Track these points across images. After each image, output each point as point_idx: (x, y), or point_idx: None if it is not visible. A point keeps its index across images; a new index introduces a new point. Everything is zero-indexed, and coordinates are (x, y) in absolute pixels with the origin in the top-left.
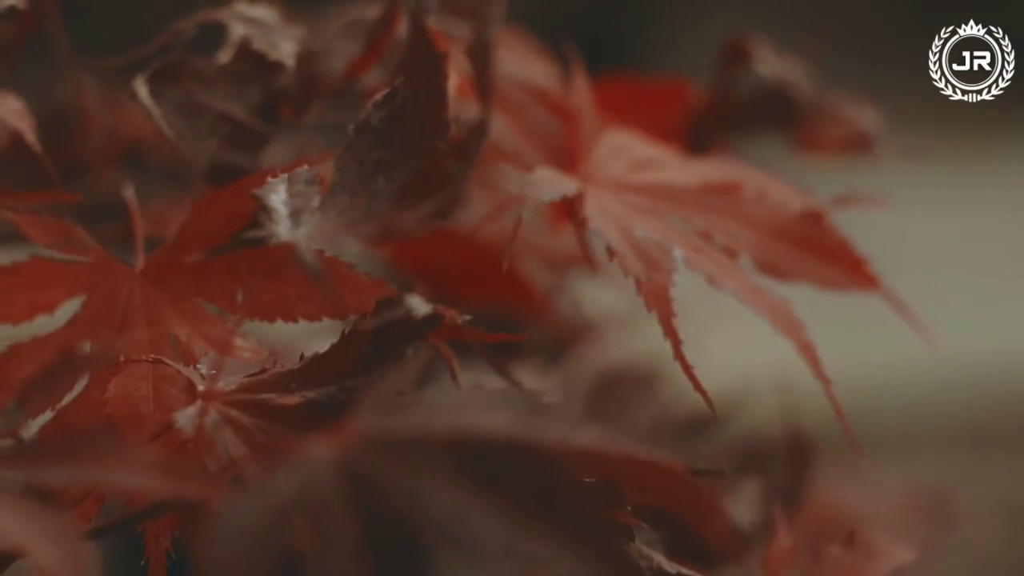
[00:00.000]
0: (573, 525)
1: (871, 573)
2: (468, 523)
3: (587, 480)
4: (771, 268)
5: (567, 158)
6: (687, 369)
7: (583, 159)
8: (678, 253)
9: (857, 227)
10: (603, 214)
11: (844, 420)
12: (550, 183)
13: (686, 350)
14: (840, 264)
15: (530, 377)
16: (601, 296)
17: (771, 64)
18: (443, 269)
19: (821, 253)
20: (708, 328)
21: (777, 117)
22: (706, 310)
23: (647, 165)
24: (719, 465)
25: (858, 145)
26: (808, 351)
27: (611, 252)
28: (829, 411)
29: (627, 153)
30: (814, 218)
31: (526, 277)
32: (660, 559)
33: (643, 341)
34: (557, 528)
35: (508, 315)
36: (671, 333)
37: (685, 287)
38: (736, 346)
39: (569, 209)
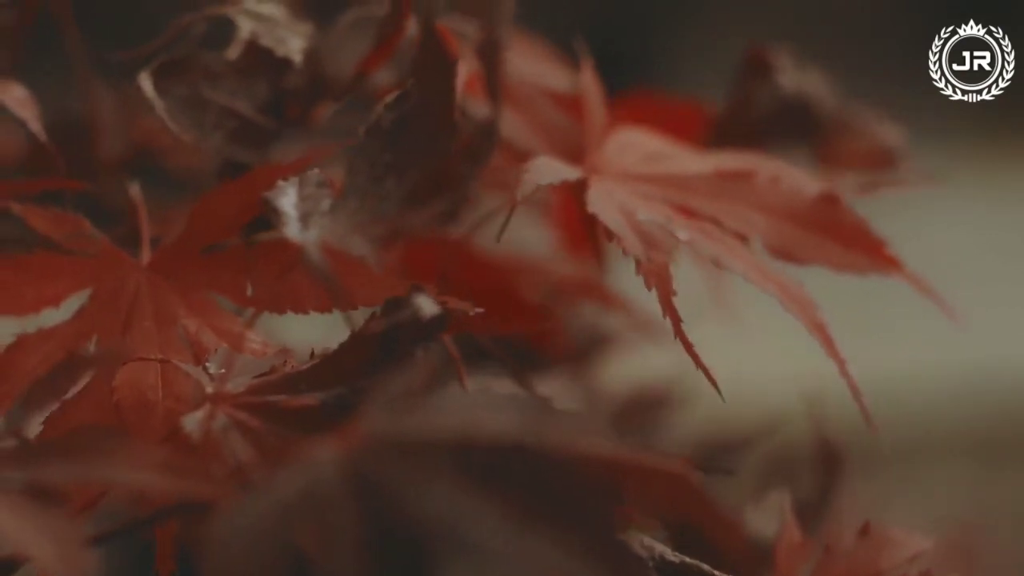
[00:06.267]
0: (578, 526)
1: (885, 563)
2: (472, 525)
3: (592, 485)
4: (785, 252)
5: (577, 152)
6: (689, 348)
7: (592, 152)
8: (682, 234)
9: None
10: (606, 199)
11: (861, 402)
12: (551, 169)
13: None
14: (859, 247)
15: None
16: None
17: (792, 76)
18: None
19: (838, 236)
20: (735, 334)
21: (799, 131)
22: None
23: (658, 157)
24: (744, 477)
25: (882, 161)
26: (820, 331)
27: (610, 234)
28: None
29: (639, 147)
30: (830, 201)
31: (531, 303)
32: (663, 549)
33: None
34: (562, 530)
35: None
36: (671, 311)
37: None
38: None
39: (572, 196)
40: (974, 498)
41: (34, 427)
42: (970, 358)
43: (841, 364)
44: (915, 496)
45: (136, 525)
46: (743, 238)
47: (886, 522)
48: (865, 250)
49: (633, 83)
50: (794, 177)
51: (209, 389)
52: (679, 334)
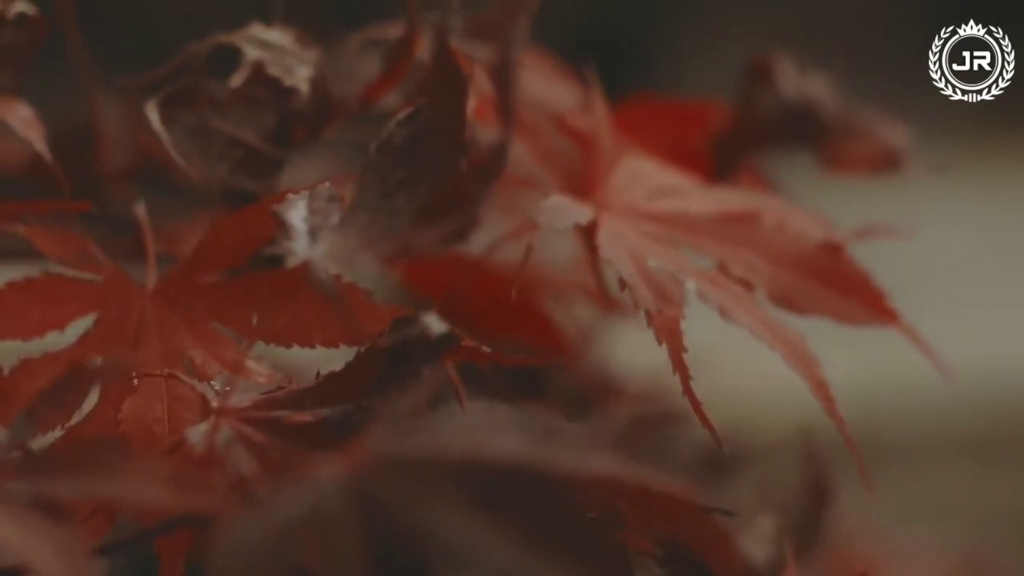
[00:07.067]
0: (579, 552)
1: None
2: (475, 544)
3: (594, 506)
4: (788, 301)
5: (584, 184)
6: (696, 406)
7: (600, 185)
8: (691, 285)
9: (870, 238)
10: (617, 243)
11: (857, 455)
12: (564, 210)
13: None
14: (859, 298)
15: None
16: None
17: (794, 82)
18: (464, 304)
19: (840, 286)
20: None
21: (802, 135)
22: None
23: (665, 192)
24: (737, 504)
25: (887, 163)
26: (822, 389)
27: (623, 283)
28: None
29: (645, 180)
30: (833, 250)
31: (552, 318)
32: None
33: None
34: (563, 554)
35: (533, 358)
36: (681, 368)
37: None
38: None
39: (582, 237)
40: (974, 498)
41: (39, 442)
42: (970, 358)
43: (840, 424)
44: (915, 496)
45: (140, 537)
46: (749, 285)
47: (884, 523)
48: (865, 302)
49: (634, 85)
50: (799, 221)
51: (214, 403)
52: (687, 392)
